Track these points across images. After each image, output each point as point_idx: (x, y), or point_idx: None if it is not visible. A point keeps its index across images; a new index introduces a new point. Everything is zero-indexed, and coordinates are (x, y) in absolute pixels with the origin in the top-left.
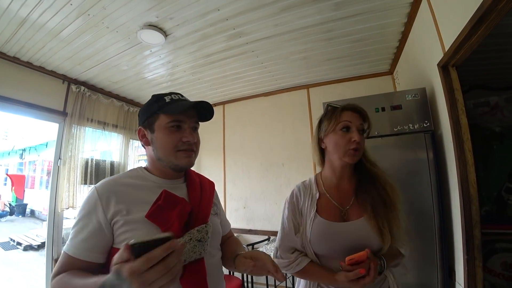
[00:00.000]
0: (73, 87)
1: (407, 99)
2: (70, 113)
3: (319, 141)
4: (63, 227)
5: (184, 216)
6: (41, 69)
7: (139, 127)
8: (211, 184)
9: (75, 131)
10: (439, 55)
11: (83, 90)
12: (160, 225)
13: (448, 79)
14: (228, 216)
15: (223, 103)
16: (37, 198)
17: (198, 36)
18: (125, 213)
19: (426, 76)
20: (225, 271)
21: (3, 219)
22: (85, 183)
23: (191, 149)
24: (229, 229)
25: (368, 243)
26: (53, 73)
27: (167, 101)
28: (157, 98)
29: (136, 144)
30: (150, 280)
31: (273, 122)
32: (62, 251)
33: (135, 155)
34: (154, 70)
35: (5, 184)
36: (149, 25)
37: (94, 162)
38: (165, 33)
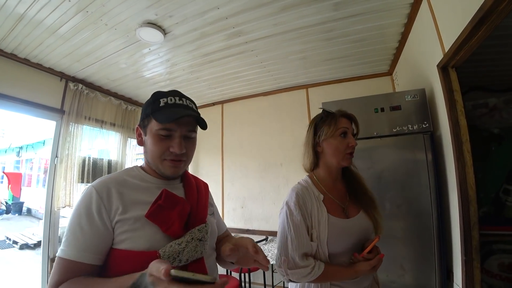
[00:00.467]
0: (71, 84)
1: (406, 99)
2: (67, 111)
3: (315, 145)
4: (60, 226)
5: (184, 216)
6: (38, 66)
7: (137, 126)
8: (206, 185)
9: (72, 129)
10: (439, 56)
11: (81, 88)
12: (160, 225)
13: (448, 80)
14: (226, 216)
15: (221, 102)
16: (33, 197)
17: (197, 35)
18: (124, 212)
19: (426, 77)
20: (223, 270)
21: None
22: (82, 182)
23: (178, 159)
24: (225, 229)
25: (368, 234)
26: (50, 70)
27: (160, 104)
28: (154, 99)
29: (134, 143)
30: None
31: (272, 122)
32: (57, 258)
33: (133, 154)
34: (153, 68)
35: (1, 182)
36: (148, 23)
37: (91, 161)
38: (164, 31)
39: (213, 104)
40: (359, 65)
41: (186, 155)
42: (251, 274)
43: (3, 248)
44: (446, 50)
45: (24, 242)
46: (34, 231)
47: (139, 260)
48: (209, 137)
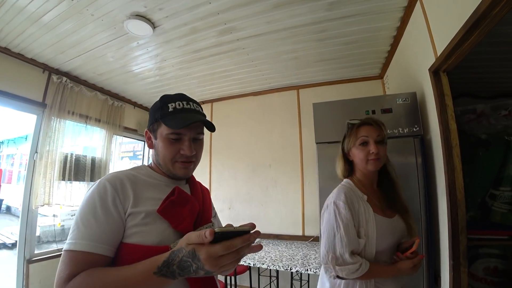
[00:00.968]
0: (54, 77)
1: (397, 102)
2: (49, 105)
3: (345, 154)
4: (38, 225)
5: (194, 213)
6: (20, 56)
7: (146, 129)
8: (207, 189)
9: (54, 124)
10: (431, 60)
11: (65, 81)
12: (171, 221)
13: (439, 84)
14: None
15: (211, 101)
16: (14, 194)
17: (188, 30)
18: (135, 206)
19: (417, 81)
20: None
21: None
22: (63, 179)
23: (189, 160)
24: None
25: (403, 236)
26: (33, 61)
27: (170, 110)
28: (162, 104)
29: (120, 140)
30: (222, 264)
31: (262, 122)
32: (66, 252)
33: (119, 152)
34: (142, 63)
35: None
36: (137, 15)
37: (74, 158)
38: (153, 25)
39: (202, 103)
40: (350, 67)
41: (195, 156)
42: (237, 277)
43: None
44: (439, 54)
45: (2, 242)
46: (12, 230)
47: (150, 254)
48: None
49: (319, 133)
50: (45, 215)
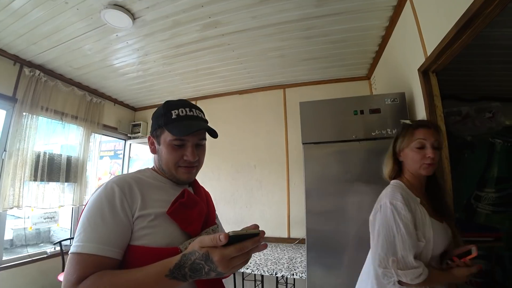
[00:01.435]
0: (26, 70)
1: (386, 103)
2: (20, 100)
3: (396, 154)
4: (11, 227)
5: (202, 216)
6: None
7: (149, 135)
8: (208, 192)
9: (25, 120)
10: (420, 60)
11: (38, 75)
12: (179, 223)
13: (428, 84)
14: None
15: (195, 99)
16: None
17: (170, 23)
18: (143, 208)
19: (405, 81)
20: None
21: None
22: (35, 180)
23: (192, 165)
24: None
25: (451, 243)
26: (2, 52)
27: (173, 117)
28: (166, 110)
29: (99, 138)
30: (234, 265)
31: (247, 122)
32: (73, 254)
33: (98, 151)
34: (122, 57)
35: None
36: (115, 5)
37: (47, 157)
38: (133, 16)
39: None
40: (337, 67)
41: (198, 161)
42: (223, 281)
43: None
44: (429, 54)
45: None
46: None
47: (159, 256)
48: None
49: (305, 133)
50: (19, 217)
